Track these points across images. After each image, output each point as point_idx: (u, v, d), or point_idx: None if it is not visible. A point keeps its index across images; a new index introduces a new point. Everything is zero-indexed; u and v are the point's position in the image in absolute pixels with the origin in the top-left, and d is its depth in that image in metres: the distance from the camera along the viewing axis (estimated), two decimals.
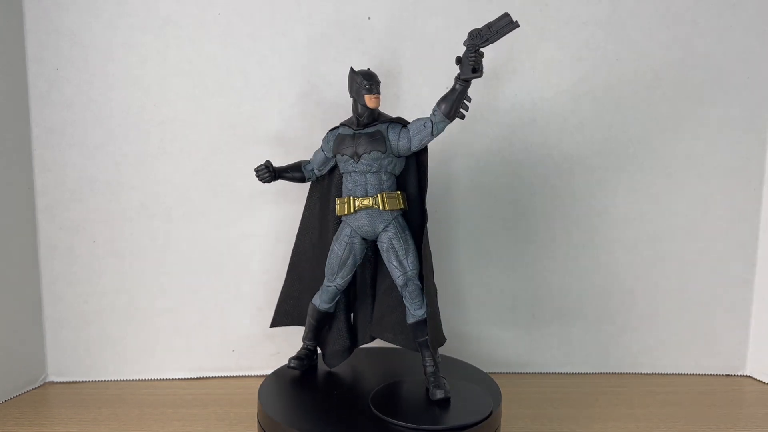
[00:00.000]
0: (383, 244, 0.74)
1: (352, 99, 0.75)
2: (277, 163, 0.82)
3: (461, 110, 0.70)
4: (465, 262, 0.98)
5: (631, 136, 0.96)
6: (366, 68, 0.76)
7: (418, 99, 0.92)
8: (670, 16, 0.94)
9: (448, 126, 0.71)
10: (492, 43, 0.67)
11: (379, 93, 0.73)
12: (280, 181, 0.80)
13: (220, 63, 0.92)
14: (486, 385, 0.78)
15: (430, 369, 0.74)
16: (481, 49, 0.67)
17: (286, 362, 0.82)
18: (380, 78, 0.75)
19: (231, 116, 0.93)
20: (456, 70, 0.69)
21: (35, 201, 0.92)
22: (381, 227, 0.74)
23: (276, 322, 0.85)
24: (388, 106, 0.89)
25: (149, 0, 0.90)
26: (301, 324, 0.84)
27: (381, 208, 0.73)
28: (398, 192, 0.74)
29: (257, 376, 0.96)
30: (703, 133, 0.96)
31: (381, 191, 0.73)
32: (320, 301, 0.79)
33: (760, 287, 0.99)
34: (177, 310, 0.96)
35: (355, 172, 0.73)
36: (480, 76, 0.68)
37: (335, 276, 0.77)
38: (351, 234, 0.75)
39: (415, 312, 0.74)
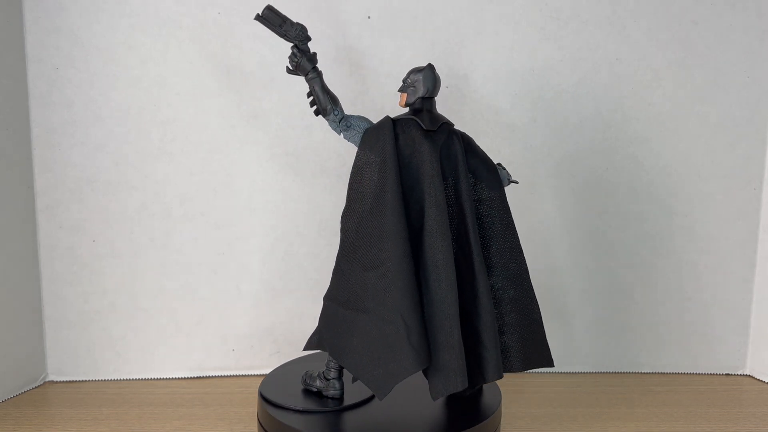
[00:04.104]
0: None
1: None
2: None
3: (318, 107, 0.72)
4: None
5: (631, 136, 0.96)
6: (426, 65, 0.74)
7: None
8: (670, 16, 0.94)
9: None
10: (285, 39, 0.72)
11: (401, 91, 0.73)
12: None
13: (220, 63, 0.92)
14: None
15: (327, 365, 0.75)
16: (295, 47, 0.72)
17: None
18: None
19: (231, 116, 0.93)
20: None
21: (35, 201, 0.92)
22: None
23: None
24: (388, 106, 0.89)
25: (149, 0, 0.90)
26: None
27: None
28: None
29: (257, 375, 0.97)
30: (703, 132, 0.96)
31: None
32: None
33: (760, 287, 0.99)
34: (177, 310, 0.96)
35: None
36: (297, 74, 0.73)
37: None
38: None
39: None
